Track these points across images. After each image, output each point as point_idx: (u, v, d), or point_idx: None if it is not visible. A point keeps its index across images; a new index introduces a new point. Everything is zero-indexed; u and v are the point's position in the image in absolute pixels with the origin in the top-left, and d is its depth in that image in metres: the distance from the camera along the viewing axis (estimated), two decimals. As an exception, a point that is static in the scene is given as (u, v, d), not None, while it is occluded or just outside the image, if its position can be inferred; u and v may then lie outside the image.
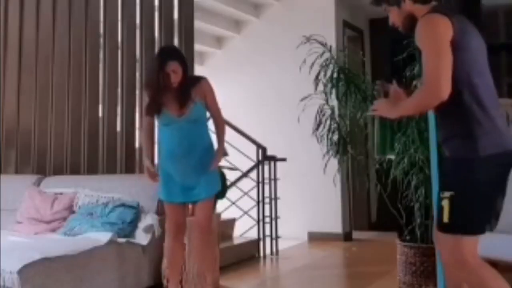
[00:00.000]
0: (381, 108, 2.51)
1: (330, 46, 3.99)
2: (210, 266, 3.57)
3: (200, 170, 3.30)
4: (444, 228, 2.25)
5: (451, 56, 2.20)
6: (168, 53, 3.32)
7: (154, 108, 3.25)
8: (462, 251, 2.21)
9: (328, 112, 3.96)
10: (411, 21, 2.40)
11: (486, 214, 2.32)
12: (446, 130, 2.33)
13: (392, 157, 3.49)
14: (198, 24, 5.72)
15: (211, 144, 3.37)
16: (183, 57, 3.32)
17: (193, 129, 3.29)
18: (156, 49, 4.84)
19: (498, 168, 2.23)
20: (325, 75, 3.94)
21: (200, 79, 3.38)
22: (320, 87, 3.95)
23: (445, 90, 2.18)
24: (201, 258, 3.47)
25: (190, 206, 3.59)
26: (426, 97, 2.28)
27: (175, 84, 3.21)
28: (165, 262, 3.83)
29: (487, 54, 2.36)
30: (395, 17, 2.47)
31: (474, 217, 2.23)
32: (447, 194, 2.23)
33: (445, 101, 2.20)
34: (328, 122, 3.96)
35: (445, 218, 2.23)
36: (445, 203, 2.23)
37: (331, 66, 3.94)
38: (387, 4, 2.48)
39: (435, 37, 2.22)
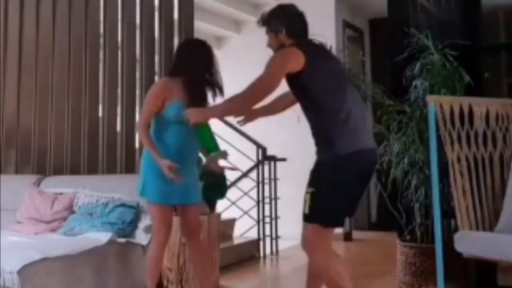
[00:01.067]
0: (191, 114, 2.91)
1: (330, 46, 3.98)
2: (209, 269, 3.53)
3: (195, 173, 3.31)
4: (305, 218, 2.68)
5: (280, 81, 2.70)
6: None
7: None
8: (318, 239, 2.67)
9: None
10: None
11: (344, 208, 2.73)
12: (315, 137, 2.76)
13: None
14: (198, 24, 5.72)
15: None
16: None
17: (195, 130, 3.29)
18: (156, 49, 4.84)
19: (355, 166, 2.65)
20: None
21: None
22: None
23: (256, 101, 2.77)
24: (202, 262, 3.42)
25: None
26: (242, 100, 2.75)
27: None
28: (165, 262, 3.84)
29: (345, 72, 2.97)
30: (272, 42, 2.91)
31: (331, 210, 2.65)
32: (309, 190, 2.67)
33: (311, 115, 2.74)
34: None
35: (306, 210, 2.66)
36: (307, 197, 2.66)
37: None
38: (269, 30, 2.91)
39: (277, 65, 2.71)
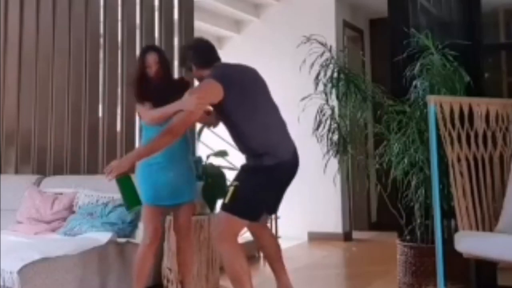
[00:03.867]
0: (115, 166, 2.94)
1: (330, 46, 3.98)
2: (191, 268, 3.53)
3: (187, 173, 3.33)
4: (224, 207, 2.95)
5: (198, 116, 3.00)
6: None
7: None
8: (228, 229, 2.93)
9: (328, 112, 3.95)
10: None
11: (261, 207, 3.03)
12: (242, 151, 3.09)
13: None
14: (198, 24, 5.71)
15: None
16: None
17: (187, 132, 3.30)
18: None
19: (278, 174, 2.98)
20: (325, 75, 3.93)
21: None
22: (320, 87, 3.94)
23: (178, 136, 2.94)
24: (191, 261, 3.45)
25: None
26: (168, 137, 2.91)
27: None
28: (165, 262, 3.84)
29: (262, 83, 3.15)
30: (194, 76, 3.20)
31: (248, 205, 2.93)
32: (234, 183, 2.97)
33: (237, 136, 3.02)
34: (328, 122, 3.95)
35: (227, 200, 2.94)
36: (231, 189, 2.95)
37: (331, 66, 3.93)
38: (185, 68, 3.22)
39: (196, 102, 2.88)
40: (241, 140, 3.03)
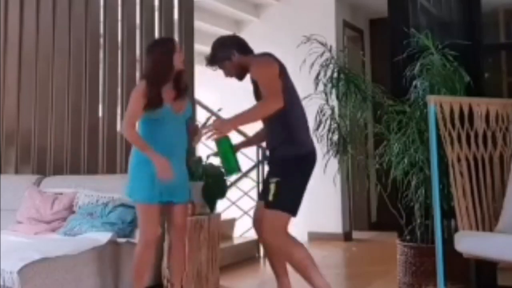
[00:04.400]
0: (218, 126, 3.04)
1: (330, 46, 3.98)
2: (183, 272, 3.49)
3: (184, 172, 3.30)
4: (269, 205, 3.04)
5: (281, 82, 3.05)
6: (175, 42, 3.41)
7: (157, 101, 3.13)
8: (277, 224, 3.05)
9: (328, 112, 3.96)
10: (242, 70, 3.22)
11: (299, 198, 3.08)
12: (277, 138, 3.12)
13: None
14: (198, 24, 5.71)
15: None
16: None
17: (184, 128, 3.28)
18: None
19: (310, 163, 3.08)
20: (325, 75, 3.93)
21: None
22: (320, 87, 3.95)
23: (279, 103, 2.99)
24: (183, 260, 3.41)
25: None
26: (267, 106, 3.01)
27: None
28: (165, 262, 3.84)
29: None
30: (230, 70, 3.25)
31: (291, 199, 3.04)
32: (274, 179, 3.04)
33: (276, 116, 2.99)
34: (328, 122, 3.95)
35: (271, 197, 3.02)
36: (272, 186, 3.02)
37: (331, 66, 3.94)
38: (220, 60, 3.24)
39: (269, 72, 3.06)
40: (290, 127, 3.07)
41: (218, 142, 3.03)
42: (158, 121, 3.16)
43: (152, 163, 3.08)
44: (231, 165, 3.06)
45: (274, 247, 3.12)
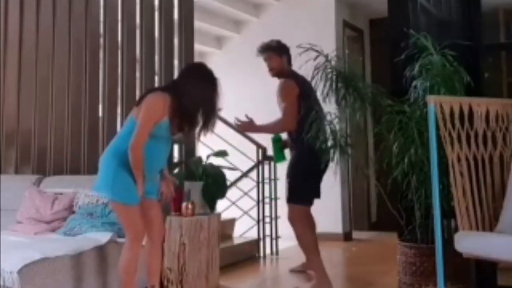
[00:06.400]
0: (244, 126, 4.20)
1: (327, 55, 3.94)
2: (158, 273, 3.43)
3: (157, 180, 3.27)
4: (287, 200, 4.09)
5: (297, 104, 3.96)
6: None
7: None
8: (296, 214, 4.07)
9: (328, 117, 3.93)
10: (277, 72, 4.16)
11: (308, 193, 4.09)
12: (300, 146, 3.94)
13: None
14: (198, 24, 5.72)
15: None
16: None
17: (164, 145, 3.25)
18: (156, 49, 4.84)
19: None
20: (324, 85, 3.88)
21: None
22: (319, 91, 3.93)
23: (291, 126, 4.02)
24: (158, 266, 3.36)
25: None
26: (280, 126, 4.09)
27: None
28: (165, 262, 3.84)
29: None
30: (276, 63, 4.16)
31: (300, 195, 4.04)
32: (287, 180, 4.03)
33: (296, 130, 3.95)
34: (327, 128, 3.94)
35: (286, 195, 4.07)
36: (286, 186, 4.06)
37: (330, 74, 3.89)
38: (274, 52, 4.17)
39: (289, 95, 4.01)
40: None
41: (273, 138, 4.19)
42: (155, 138, 3.10)
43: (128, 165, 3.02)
44: (281, 156, 4.19)
45: (293, 229, 4.13)
